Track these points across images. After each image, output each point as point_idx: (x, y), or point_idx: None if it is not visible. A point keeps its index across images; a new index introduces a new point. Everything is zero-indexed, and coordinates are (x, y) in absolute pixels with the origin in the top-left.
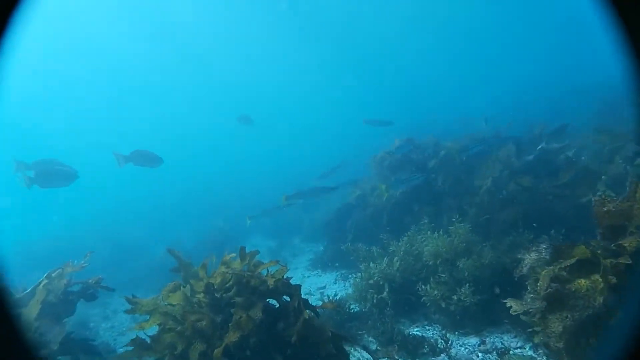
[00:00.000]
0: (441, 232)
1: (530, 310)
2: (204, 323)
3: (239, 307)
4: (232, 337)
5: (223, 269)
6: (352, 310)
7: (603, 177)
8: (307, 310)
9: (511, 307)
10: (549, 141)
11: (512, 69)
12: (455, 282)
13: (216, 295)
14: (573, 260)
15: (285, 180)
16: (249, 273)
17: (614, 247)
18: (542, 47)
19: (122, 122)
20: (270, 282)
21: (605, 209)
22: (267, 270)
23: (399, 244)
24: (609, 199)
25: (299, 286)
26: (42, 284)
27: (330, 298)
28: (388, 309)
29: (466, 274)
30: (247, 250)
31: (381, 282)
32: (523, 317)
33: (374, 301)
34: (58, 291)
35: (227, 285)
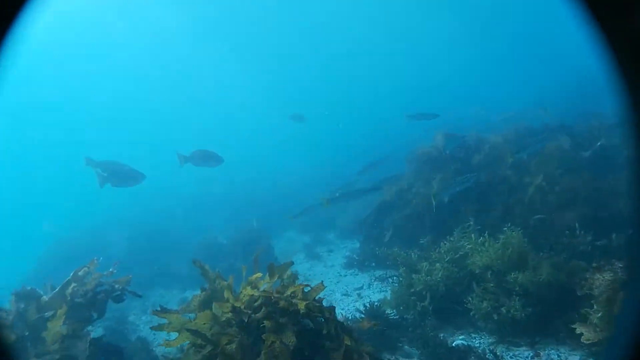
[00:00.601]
0: (488, 238)
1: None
2: (233, 346)
3: (269, 331)
4: None
5: (249, 290)
6: (391, 317)
7: None
8: (345, 336)
9: (582, 334)
10: (610, 136)
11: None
12: (504, 293)
13: (244, 318)
14: None
15: (324, 175)
16: (276, 295)
17: None
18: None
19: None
20: (301, 306)
21: None
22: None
23: (442, 250)
24: None
25: (333, 308)
26: (70, 286)
27: (368, 304)
28: (430, 317)
29: (517, 288)
30: (282, 245)
31: (424, 292)
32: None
33: (418, 309)
34: (86, 292)
35: (256, 304)
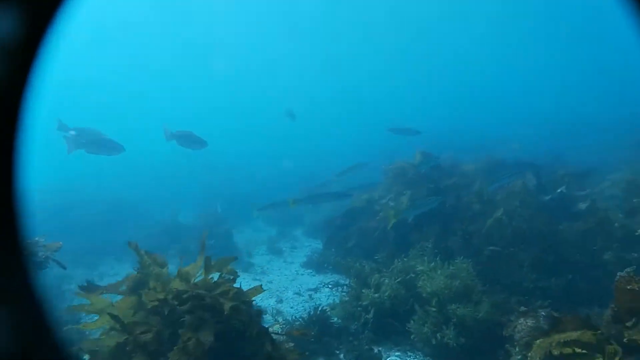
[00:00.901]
0: (441, 263)
1: None
2: (149, 336)
3: (187, 326)
4: None
5: (177, 283)
6: (335, 325)
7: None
8: (267, 342)
9: None
10: (570, 186)
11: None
12: (444, 320)
13: (165, 310)
14: (573, 337)
15: (304, 174)
16: (203, 291)
17: (626, 341)
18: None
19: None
20: (227, 306)
21: (629, 287)
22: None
23: (395, 269)
24: (637, 278)
25: (260, 312)
26: None
27: (314, 309)
28: (370, 331)
29: (455, 319)
30: (248, 234)
31: (369, 307)
32: None
33: (361, 321)
34: None
35: (184, 296)
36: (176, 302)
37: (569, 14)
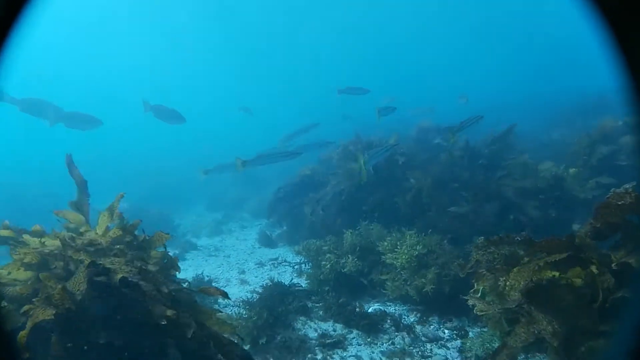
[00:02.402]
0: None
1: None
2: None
3: (55, 275)
4: (40, 316)
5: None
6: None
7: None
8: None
9: (475, 305)
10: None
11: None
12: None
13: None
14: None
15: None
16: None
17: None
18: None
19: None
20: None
21: (620, 202)
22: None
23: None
24: (633, 193)
25: (174, 262)
26: None
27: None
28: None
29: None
30: (191, 219)
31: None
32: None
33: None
34: None
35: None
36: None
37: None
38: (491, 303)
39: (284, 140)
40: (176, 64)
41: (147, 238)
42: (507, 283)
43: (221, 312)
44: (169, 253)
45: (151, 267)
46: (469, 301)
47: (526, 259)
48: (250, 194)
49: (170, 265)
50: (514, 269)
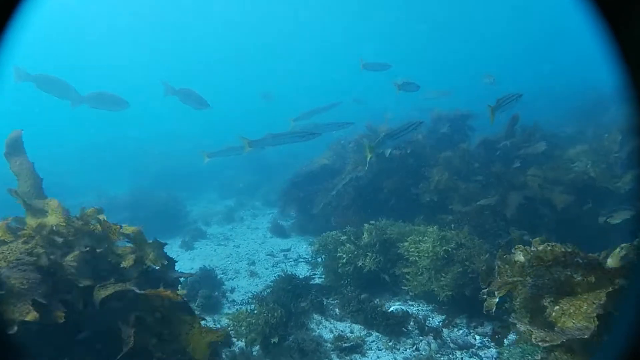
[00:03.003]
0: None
1: None
2: None
3: None
4: None
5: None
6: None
7: None
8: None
9: (529, 332)
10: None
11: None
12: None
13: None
14: None
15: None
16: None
17: None
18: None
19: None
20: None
21: None
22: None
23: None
24: None
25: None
26: None
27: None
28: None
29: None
30: (202, 206)
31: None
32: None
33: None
34: None
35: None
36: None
37: None
38: (547, 331)
39: (299, 119)
40: (192, 47)
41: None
42: (565, 310)
43: (205, 319)
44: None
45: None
46: (518, 326)
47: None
48: (263, 181)
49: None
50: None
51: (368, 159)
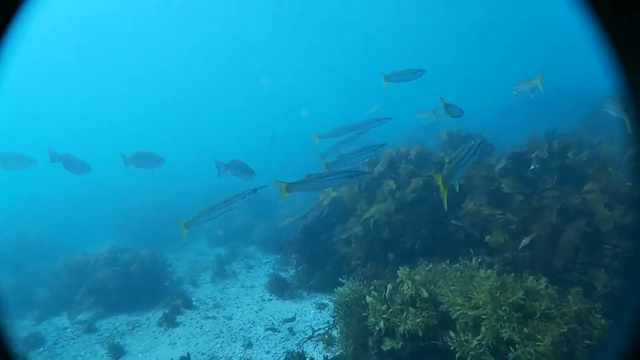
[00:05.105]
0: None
1: None
2: None
3: None
4: None
5: None
6: None
7: None
8: None
9: None
10: None
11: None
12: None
13: None
14: None
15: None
16: None
17: None
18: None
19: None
20: None
21: None
22: None
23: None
24: None
25: None
26: None
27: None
28: None
29: None
30: (190, 258)
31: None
32: None
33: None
34: None
35: None
36: None
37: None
38: None
39: (332, 150)
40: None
41: None
42: None
43: None
44: None
45: None
46: None
47: None
48: (257, 220)
49: None
50: None
51: (445, 196)
